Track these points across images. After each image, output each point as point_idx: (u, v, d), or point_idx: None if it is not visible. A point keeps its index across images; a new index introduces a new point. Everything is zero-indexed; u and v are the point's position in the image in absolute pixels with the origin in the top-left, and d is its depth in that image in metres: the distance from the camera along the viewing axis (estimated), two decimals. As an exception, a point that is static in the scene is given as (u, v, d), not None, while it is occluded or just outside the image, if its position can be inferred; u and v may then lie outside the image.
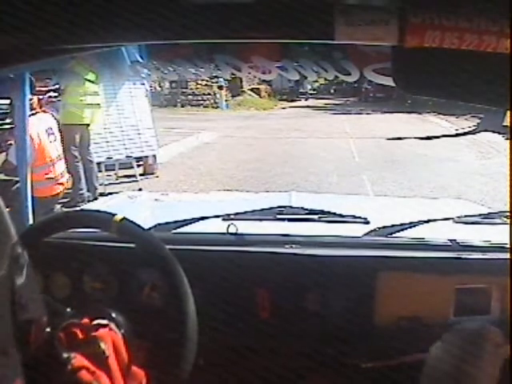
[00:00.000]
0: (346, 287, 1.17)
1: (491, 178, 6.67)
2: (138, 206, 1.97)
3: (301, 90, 28.31)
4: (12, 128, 2.94)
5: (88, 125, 5.50)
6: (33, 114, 3.73)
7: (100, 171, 6.05)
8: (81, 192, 5.33)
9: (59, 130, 4.47)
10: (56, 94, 4.93)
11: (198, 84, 19.35)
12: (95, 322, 0.76)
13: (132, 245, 0.94)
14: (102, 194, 5.38)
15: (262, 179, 6.84)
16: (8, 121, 3.63)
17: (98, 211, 1.04)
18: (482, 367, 0.66)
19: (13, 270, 0.38)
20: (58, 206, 4.30)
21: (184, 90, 20.06)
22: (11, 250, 0.38)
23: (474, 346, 0.68)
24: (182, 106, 19.75)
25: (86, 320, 0.76)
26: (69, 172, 4.91)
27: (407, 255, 1.20)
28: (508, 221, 1.38)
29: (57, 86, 4.31)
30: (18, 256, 0.39)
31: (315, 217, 1.44)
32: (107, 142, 6.21)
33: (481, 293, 1.16)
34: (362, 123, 14.56)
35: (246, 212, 1.43)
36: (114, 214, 0.92)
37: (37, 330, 0.42)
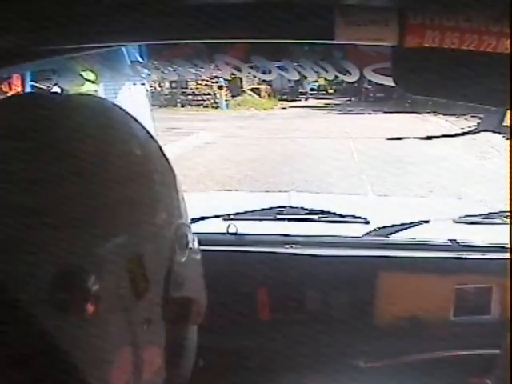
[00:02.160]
0: (345, 287, 1.17)
1: (491, 178, 6.66)
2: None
3: (301, 90, 28.29)
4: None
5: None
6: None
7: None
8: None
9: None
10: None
11: (198, 84, 19.32)
12: None
13: None
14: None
15: (262, 179, 6.84)
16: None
17: None
18: None
19: (174, 248, 0.41)
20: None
21: (184, 90, 20.04)
22: (176, 229, 0.42)
23: None
24: (182, 106, 19.74)
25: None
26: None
27: (407, 255, 1.20)
28: (508, 221, 1.38)
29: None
30: (182, 236, 0.42)
31: (315, 217, 1.44)
32: (107, 141, 6.21)
33: (481, 293, 1.16)
34: (362, 123, 14.55)
35: (245, 212, 1.43)
36: None
37: (192, 307, 0.45)
